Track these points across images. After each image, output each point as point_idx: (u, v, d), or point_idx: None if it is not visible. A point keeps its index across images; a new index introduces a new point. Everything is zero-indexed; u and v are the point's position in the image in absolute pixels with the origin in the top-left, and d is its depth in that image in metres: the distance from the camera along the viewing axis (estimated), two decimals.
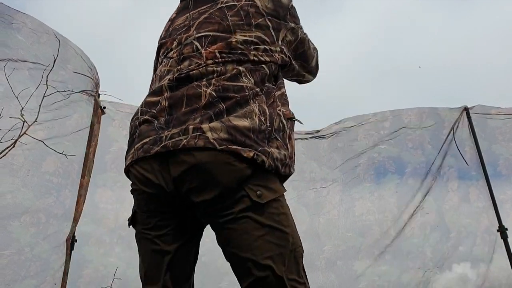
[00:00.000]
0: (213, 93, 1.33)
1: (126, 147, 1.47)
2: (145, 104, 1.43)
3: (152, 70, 1.67)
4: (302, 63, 1.71)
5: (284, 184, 1.44)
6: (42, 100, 3.04)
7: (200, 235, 1.47)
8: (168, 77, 1.43)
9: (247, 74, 1.41)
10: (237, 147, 1.26)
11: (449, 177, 4.11)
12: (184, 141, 1.26)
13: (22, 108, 2.92)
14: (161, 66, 1.54)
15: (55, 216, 3.15)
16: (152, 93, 1.44)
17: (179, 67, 1.44)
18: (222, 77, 1.37)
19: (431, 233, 3.94)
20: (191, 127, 1.28)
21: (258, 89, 1.40)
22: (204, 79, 1.37)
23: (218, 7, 1.52)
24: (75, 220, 3.23)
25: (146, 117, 1.39)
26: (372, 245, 3.90)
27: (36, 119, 2.97)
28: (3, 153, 2.82)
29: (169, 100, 1.37)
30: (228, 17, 1.49)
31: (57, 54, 3.15)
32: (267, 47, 1.48)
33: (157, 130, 1.33)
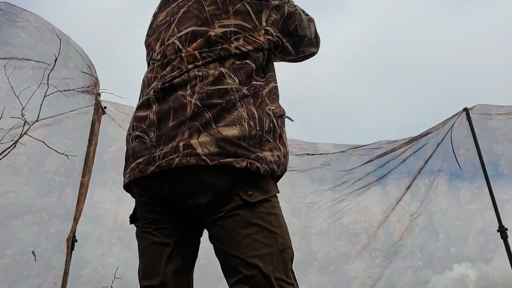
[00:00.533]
0: (198, 102, 1.30)
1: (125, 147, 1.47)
2: (136, 119, 1.42)
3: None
4: (298, 39, 1.62)
5: (278, 197, 1.42)
6: (43, 100, 3.03)
7: (199, 232, 1.48)
8: (153, 85, 1.42)
9: (231, 74, 1.37)
10: (229, 160, 1.24)
11: (441, 180, 4.17)
12: (177, 160, 1.25)
13: (23, 108, 2.92)
14: (148, 70, 1.53)
15: (57, 215, 3.15)
16: (141, 106, 1.42)
17: (163, 73, 1.41)
18: (205, 82, 1.34)
19: (421, 235, 4.02)
20: (181, 144, 1.26)
21: (245, 90, 1.36)
22: (188, 87, 1.34)
23: None
24: (76, 220, 3.23)
25: (137, 133, 1.38)
26: (362, 249, 4.05)
27: (37, 119, 2.98)
28: (4, 154, 2.82)
29: (157, 114, 1.35)
30: (205, 8, 1.45)
31: (59, 53, 3.15)
32: (248, 34, 1.44)
33: (150, 148, 1.32)
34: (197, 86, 1.33)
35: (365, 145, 4.40)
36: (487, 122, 4.25)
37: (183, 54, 1.40)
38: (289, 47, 1.61)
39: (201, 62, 1.38)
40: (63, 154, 3.05)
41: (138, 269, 1.44)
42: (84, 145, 3.32)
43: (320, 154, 4.39)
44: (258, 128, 1.32)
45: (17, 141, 2.87)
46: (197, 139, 1.25)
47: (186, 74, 1.36)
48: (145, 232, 1.41)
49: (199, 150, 1.24)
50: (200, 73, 1.35)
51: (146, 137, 1.35)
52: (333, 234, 4.13)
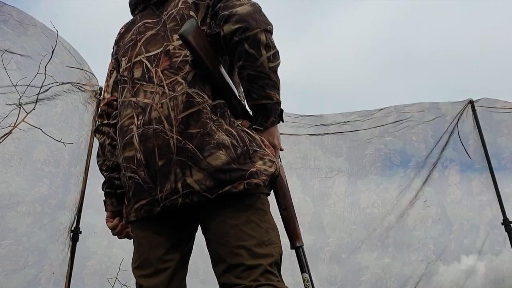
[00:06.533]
0: (178, 136, 1.30)
1: None
2: (125, 159, 1.41)
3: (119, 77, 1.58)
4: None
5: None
6: (40, 90, 3.05)
7: (195, 228, 1.49)
8: (133, 119, 1.40)
9: (199, 91, 1.33)
10: (226, 188, 1.26)
11: (451, 171, 4.08)
12: (180, 199, 1.28)
13: (20, 97, 2.95)
14: (120, 90, 1.52)
15: (50, 205, 3.14)
16: (126, 145, 1.40)
17: (136, 99, 1.41)
18: (177, 110, 1.32)
19: (433, 226, 3.91)
20: (179, 185, 1.28)
21: (213, 116, 1.32)
22: (165, 121, 1.32)
23: (162, 21, 1.49)
24: (77, 211, 3.27)
25: (129, 174, 1.39)
26: (376, 237, 3.89)
27: (35, 107, 2.99)
28: (2, 139, 2.83)
29: (143, 153, 1.35)
30: (168, 26, 1.46)
31: (55, 45, 3.14)
32: None
33: (148, 190, 1.34)
34: (173, 118, 1.32)
35: (374, 110, 4.24)
36: (491, 114, 4.21)
37: (151, 74, 1.40)
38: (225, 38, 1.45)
39: (165, 82, 1.36)
40: (60, 141, 3.05)
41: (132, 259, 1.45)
42: (71, 135, 3.31)
43: (329, 124, 4.16)
44: (242, 143, 1.31)
45: (15, 126, 2.88)
46: (192, 177, 1.27)
47: (160, 106, 1.34)
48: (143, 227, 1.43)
49: (197, 188, 1.27)
50: (172, 103, 1.33)
51: (137, 177, 1.36)
52: (348, 217, 3.92)
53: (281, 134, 1.51)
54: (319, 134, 4.14)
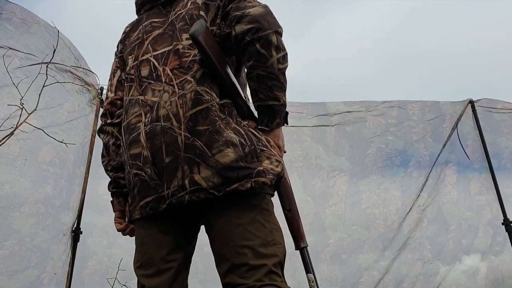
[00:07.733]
0: (187, 133, 1.31)
1: None
2: (130, 156, 1.41)
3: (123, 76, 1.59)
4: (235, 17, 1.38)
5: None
6: (42, 90, 3.03)
7: (198, 228, 1.49)
8: (141, 118, 1.41)
9: (208, 89, 1.35)
10: (234, 186, 1.27)
11: (449, 171, 4.08)
12: (187, 197, 1.29)
13: (22, 97, 2.92)
14: (126, 89, 1.52)
15: (53, 206, 3.13)
16: (132, 142, 1.41)
17: (144, 98, 1.42)
18: (186, 107, 1.33)
19: (430, 226, 3.92)
20: (186, 181, 1.28)
21: (221, 114, 1.34)
22: (173, 118, 1.33)
23: (169, 21, 1.51)
24: (79, 211, 3.27)
25: (135, 171, 1.39)
26: (376, 238, 3.89)
27: (36, 107, 2.96)
28: (3, 141, 2.82)
29: (150, 151, 1.35)
30: (176, 26, 1.48)
31: (57, 45, 3.15)
32: None
33: (154, 187, 1.34)
34: (182, 116, 1.33)
35: (377, 102, 4.23)
36: (492, 114, 4.21)
37: (159, 73, 1.41)
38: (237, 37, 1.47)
39: (176, 81, 1.37)
40: (61, 142, 3.04)
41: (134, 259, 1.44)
42: (77, 136, 3.31)
43: (331, 113, 4.12)
44: (249, 142, 1.33)
45: (16, 127, 2.86)
46: (199, 174, 1.28)
47: (169, 105, 1.35)
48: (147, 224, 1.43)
49: (204, 185, 1.27)
50: (180, 101, 1.34)
51: (143, 174, 1.36)
52: (350, 217, 3.92)
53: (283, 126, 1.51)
54: (321, 126, 4.12)
